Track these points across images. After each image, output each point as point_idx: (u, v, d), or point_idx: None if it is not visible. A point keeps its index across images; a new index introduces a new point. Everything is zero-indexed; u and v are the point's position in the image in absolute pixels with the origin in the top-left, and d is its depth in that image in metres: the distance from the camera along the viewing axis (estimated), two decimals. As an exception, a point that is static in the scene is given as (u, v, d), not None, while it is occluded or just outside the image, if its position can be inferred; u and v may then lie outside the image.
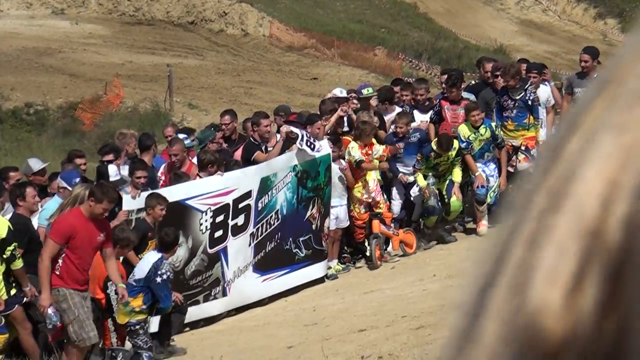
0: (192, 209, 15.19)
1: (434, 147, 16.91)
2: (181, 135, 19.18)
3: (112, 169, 15.98)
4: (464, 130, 17.47)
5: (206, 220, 15.36)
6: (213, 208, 15.48)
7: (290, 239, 16.73)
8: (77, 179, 15.13)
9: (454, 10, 60.54)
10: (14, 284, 13.02)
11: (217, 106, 38.27)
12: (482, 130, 17.27)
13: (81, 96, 40.64)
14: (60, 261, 11.61)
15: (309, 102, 34.01)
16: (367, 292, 15.18)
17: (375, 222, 16.74)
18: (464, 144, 17.44)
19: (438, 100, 18.12)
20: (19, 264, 12.67)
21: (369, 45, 51.11)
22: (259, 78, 45.88)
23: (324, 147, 16.49)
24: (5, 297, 12.72)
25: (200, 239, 15.35)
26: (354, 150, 16.52)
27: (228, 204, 15.72)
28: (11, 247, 12.70)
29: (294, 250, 16.59)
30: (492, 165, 17.66)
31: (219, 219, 15.61)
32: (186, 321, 14.84)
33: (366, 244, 17.09)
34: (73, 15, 54.76)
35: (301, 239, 16.35)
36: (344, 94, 19.30)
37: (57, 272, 11.62)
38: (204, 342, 14.48)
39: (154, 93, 40.96)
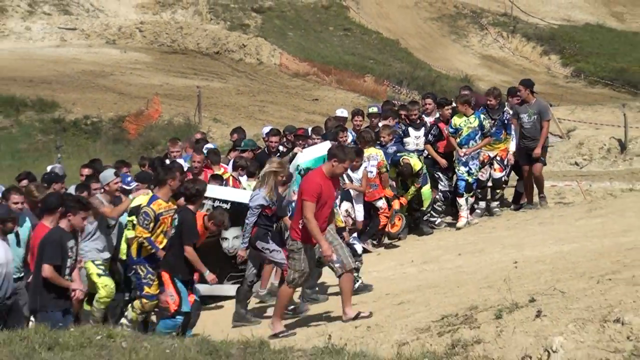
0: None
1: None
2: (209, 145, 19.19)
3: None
4: (455, 119, 17.19)
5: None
6: None
7: None
8: (129, 178, 14.88)
9: (428, 46, 60.56)
10: None
11: (236, 120, 38.21)
12: (471, 118, 16.96)
13: (128, 111, 40.67)
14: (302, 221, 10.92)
15: (311, 119, 34.04)
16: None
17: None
18: (452, 130, 17.14)
19: (436, 125, 17.57)
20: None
21: (360, 73, 51.13)
22: (271, 98, 45.86)
23: (325, 146, 16.41)
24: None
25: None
26: None
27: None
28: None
29: None
30: (476, 163, 17.24)
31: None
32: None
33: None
34: (122, 45, 54.85)
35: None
36: (345, 114, 19.33)
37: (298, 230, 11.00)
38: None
39: (185, 109, 40.94)
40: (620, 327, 7.57)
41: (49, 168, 18.26)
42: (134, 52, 53.67)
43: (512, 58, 60.86)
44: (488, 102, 17.46)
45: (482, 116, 17.11)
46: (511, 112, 17.59)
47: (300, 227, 10.88)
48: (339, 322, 11.25)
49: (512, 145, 17.52)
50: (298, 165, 15.67)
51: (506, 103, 17.86)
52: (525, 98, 17.63)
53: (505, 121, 17.36)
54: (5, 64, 47.50)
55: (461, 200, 17.24)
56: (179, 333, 12.13)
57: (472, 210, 17.57)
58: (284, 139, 18.49)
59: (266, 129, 19.03)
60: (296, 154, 16.70)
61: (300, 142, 17.46)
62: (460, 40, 62.83)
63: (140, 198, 13.36)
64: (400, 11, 65.09)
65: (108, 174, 14.02)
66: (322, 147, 16.29)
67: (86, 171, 15.78)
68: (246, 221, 12.86)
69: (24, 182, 15.27)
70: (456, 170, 17.45)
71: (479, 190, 17.68)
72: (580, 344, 7.58)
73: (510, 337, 8.18)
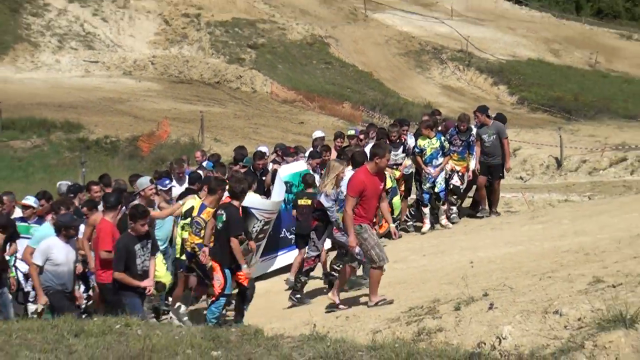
0: (252, 215, 14.83)
1: None
2: (205, 164, 19.14)
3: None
4: (420, 141, 17.28)
5: (256, 225, 15.01)
6: (265, 220, 15.28)
7: (284, 229, 16.64)
8: (167, 180, 14.88)
9: (397, 77, 60.62)
10: None
11: (234, 140, 38.23)
12: (434, 140, 17.03)
13: (141, 131, 40.47)
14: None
15: (297, 139, 33.89)
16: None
17: None
18: (418, 150, 17.21)
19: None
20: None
21: (339, 100, 51.05)
22: (263, 121, 45.79)
23: (300, 165, 16.43)
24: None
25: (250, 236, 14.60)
26: None
27: (271, 220, 15.56)
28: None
29: (290, 237, 16.41)
30: (442, 176, 17.25)
31: (265, 227, 15.37)
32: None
33: None
34: (137, 76, 54.74)
35: (292, 228, 16.04)
36: (321, 135, 19.37)
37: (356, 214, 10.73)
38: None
39: (190, 130, 40.82)
40: (559, 318, 7.62)
41: (58, 184, 18.25)
42: (147, 82, 53.57)
43: (467, 88, 60.95)
44: (460, 126, 17.51)
45: (442, 138, 17.19)
46: (474, 135, 17.68)
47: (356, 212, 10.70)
48: (322, 313, 11.30)
49: (472, 164, 17.63)
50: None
51: (472, 126, 17.94)
52: (483, 121, 17.76)
53: (471, 142, 17.48)
54: (38, 92, 47.43)
55: (425, 210, 17.38)
56: (239, 309, 12.55)
57: (448, 216, 17.63)
58: (275, 155, 18.45)
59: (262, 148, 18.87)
60: (275, 170, 16.75)
61: (289, 158, 17.48)
62: (424, 72, 62.87)
63: (191, 202, 13.32)
64: (373, 48, 65.14)
65: (144, 181, 14.00)
66: (298, 165, 16.39)
67: (96, 188, 15.70)
68: (334, 218, 12.58)
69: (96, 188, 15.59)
70: (422, 185, 17.45)
71: (455, 197, 17.76)
72: (526, 332, 7.62)
73: (467, 326, 8.23)
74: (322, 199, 12.71)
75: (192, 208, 12.95)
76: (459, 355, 6.31)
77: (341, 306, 10.99)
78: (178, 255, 13.75)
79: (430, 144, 17.11)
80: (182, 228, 13.32)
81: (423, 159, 17.19)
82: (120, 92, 49.67)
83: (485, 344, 7.48)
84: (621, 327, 6.91)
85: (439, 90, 59.22)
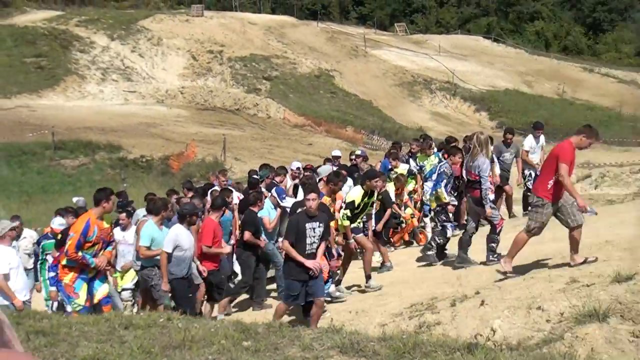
0: None
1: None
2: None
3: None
4: (420, 158, 17.01)
5: None
6: None
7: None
8: (283, 194, 13.99)
9: (393, 105, 60.75)
10: None
11: (252, 160, 38.39)
12: (432, 157, 16.65)
13: (172, 152, 40.60)
14: (550, 182, 9.58)
15: (307, 159, 33.99)
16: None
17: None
18: (418, 167, 16.86)
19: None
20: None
21: (342, 124, 51.20)
22: (277, 143, 45.88)
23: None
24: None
25: None
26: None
27: None
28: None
29: None
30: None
31: None
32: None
33: None
34: (168, 103, 54.96)
35: None
36: (339, 153, 19.39)
37: (547, 189, 9.60)
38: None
39: (214, 151, 40.92)
40: (541, 313, 7.62)
41: (74, 199, 17.96)
42: (177, 109, 53.72)
43: (453, 114, 61.05)
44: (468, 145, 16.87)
45: (439, 154, 16.66)
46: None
47: (548, 186, 9.70)
48: (335, 309, 11.26)
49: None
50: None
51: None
52: (509, 140, 17.29)
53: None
54: (84, 117, 47.60)
55: (426, 219, 17.00)
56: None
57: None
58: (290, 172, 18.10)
59: (295, 164, 18.15)
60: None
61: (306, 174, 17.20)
62: (416, 100, 62.99)
63: (353, 194, 12.40)
64: (372, 79, 65.30)
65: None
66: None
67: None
68: (484, 187, 11.86)
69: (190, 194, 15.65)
70: (423, 197, 16.88)
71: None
72: (513, 325, 7.63)
73: (462, 320, 8.24)
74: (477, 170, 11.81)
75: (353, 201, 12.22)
76: (459, 345, 6.30)
77: (510, 274, 10.03)
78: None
79: (429, 161, 16.82)
80: (343, 217, 12.22)
81: (423, 174, 16.71)
82: (154, 117, 49.82)
83: (481, 335, 7.49)
84: (595, 321, 6.92)
85: (428, 116, 59.30)
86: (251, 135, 47.71)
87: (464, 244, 12.19)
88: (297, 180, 16.40)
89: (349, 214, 12.03)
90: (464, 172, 12.29)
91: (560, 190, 9.71)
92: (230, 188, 16.08)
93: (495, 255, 11.84)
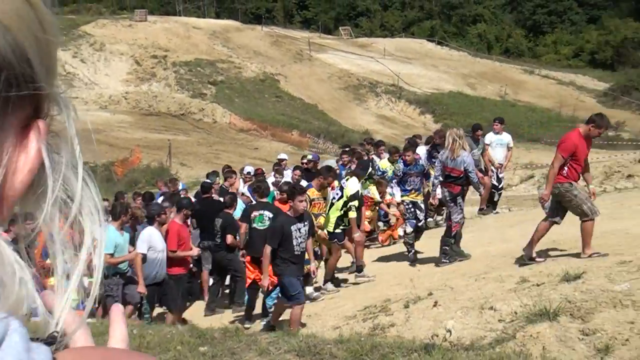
0: None
1: None
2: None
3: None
4: (381, 163, 16.55)
5: None
6: None
7: None
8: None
9: (339, 108, 60.85)
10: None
11: (198, 165, 38.29)
12: (395, 164, 15.45)
13: (116, 158, 40.14)
14: (565, 168, 9.69)
15: (253, 162, 33.69)
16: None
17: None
18: (380, 172, 16.23)
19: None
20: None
21: (288, 129, 51.09)
22: (223, 148, 45.61)
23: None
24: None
25: None
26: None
27: None
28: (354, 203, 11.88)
29: None
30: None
31: None
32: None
33: None
34: (112, 109, 54.28)
35: None
36: (284, 156, 19.58)
37: (564, 174, 9.75)
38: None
39: (159, 156, 40.54)
40: (493, 313, 7.73)
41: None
42: (121, 115, 53.03)
43: (399, 117, 61.36)
44: (436, 141, 15.92)
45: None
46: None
47: (564, 172, 9.81)
48: (287, 313, 11.23)
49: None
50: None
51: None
52: (478, 137, 17.12)
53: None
54: (25, 124, 46.78)
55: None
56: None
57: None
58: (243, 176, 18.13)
59: (247, 168, 18.45)
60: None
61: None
62: (362, 104, 63.20)
63: (353, 186, 12.30)
64: (317, 83, 65.36)
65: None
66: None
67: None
68: (475, 180, 11.95)
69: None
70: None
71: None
72: (466, 326, 7.72)
73: (416, 321, 8.31)
74: (463, 165, 11.75)
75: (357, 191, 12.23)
76: (416, 346, 6.38)
77: (538, 259, 9.93)
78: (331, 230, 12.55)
79: (391, 167, 16.48)
80: (350, 209, 12.10)
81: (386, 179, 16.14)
82: (97, 123, 49.07)
83: (437, 336, 7.58)
84: (546, 320, 7.05)
85: (374, 119, 59.55)
86: (197, 140, 47.41)
87: (458, 238, 12.12)
88: (247, 184, 16.59)
89: (356, 204, 12.01)
90: (438, 167, 12.09)
91: (576, 171, 9.90)
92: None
93: (447, 258, 11.88)
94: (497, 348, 6.92)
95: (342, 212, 12.11)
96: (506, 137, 17.82)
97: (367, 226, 14.84)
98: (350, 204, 11.94)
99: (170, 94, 58.53)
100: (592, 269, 8.39)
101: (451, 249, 11.94)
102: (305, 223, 9.95)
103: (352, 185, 12.16)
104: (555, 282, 8.15)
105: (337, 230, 12.17)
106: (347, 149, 18.49)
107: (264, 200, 12.45)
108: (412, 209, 13.33)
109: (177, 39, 68.71)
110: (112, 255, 11.34)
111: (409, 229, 13.24)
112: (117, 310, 0.99)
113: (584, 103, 65.23)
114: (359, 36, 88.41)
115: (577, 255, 9.62)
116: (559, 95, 67.78)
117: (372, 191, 15.41)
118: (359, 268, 12.44)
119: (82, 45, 63.01)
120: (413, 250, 13.20)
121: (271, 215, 11.76)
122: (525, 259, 10.07)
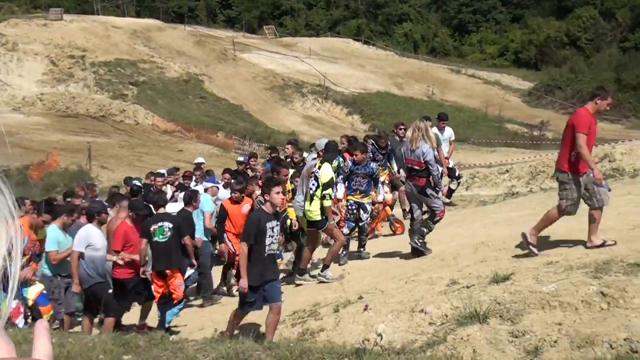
0: None
1: None
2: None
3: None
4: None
5: None
6: None
7: None
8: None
9: (264, 109, 60.74)
10: None
11: (120, 168, 37.75)
12: (344, 161, 15.86)
13: (31, 161, 39.26)
14: (573, 154, 9.08)
15: (177, 165, 33.34)
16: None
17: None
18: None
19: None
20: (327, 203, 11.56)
21: (213, 130, 50.77)
22: (146, 150, 45.06)
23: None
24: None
25: None
26: None
27: None
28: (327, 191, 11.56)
29: None
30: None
31: None
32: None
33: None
34: (26, 111, 53.00)
35: None
36: (202, 160, 19.51)
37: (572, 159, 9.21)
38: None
39: (79, 160, 39.84)
40: (424, 316, 7.79)
41: None
42: (36, 117, 51.82)
43: (326, 117, 61.55)
44: (380, 142, 16.36)
45: (340, 160, 16.14)
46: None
47: (571, 159, 9.34)
48: (214, 318, 11.17)
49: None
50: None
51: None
52: (442, 126, 18.10)
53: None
54: None
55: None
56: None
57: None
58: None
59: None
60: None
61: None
62: (288, 104, 63.21)
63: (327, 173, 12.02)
64: (242, 83, 65.14)
65: None
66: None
67: None
68: (435, 173, 11.67)
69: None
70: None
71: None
72: (397, 329, 7.76)
73: (346, 325, 8.33)
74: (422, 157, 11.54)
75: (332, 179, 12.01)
76: (346, 351, 6.38)
77: (535, 250, 9.58)
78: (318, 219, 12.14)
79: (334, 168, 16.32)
80: (324, 197, 11.80)
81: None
82: (11, 126, 47.88)
83: (368, 340, 7.60)
84: (476, 322, 7.13)
85: (301, 120, 59.64)
86: (118, 143, 46.73)
87: (417, 232, 11.84)
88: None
89: (331, 192, 11.80)
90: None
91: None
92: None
93: (421, 241, 11.73)
94: (428, 352, 6.96)
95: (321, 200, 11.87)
96: (448, 132, 18.78)
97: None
98: (325, 192, 11.68)
99: (89, 95, 57.51)
100: (520, 270, 8.54)
101: (426, 232, 11.81)
102: (278, 223, 9.41)
103: (326, 172, 11.90)
104: (485, 284, 8.26)
105: (319, 219, 11.89)
106: (272, 150, 18.63)
107: (162, 211, 12.20)
108: (354, 210, 13.28)
109: (96, 38, 67.59)
110: (57, 252, 11.53)
111: (346, 230, 13.15)
112: (41, 326, 0.97)
113: (509, 102, 66.63)
114: (284, 35, 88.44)
115: (506, 256, 9.79)
116: (485, 94, 69.03)
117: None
118: (324, 267, 12.28)
119: (-6, 44, 61.54)
120: (345, 252, 13.17)
121: (171, 226, 11.58)
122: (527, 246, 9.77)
